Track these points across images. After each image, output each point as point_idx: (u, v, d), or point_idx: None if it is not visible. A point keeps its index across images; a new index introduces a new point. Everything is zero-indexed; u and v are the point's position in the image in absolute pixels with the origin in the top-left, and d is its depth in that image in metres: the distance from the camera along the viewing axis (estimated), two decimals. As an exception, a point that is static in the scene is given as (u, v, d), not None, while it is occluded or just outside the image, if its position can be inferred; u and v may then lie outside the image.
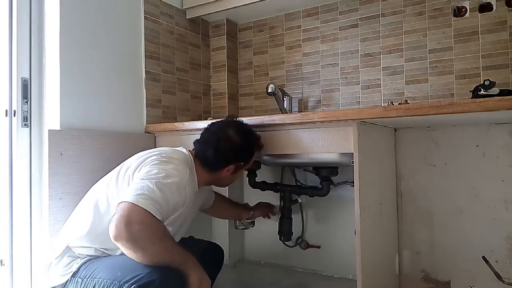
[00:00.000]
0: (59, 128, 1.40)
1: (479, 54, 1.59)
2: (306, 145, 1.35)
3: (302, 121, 1.33)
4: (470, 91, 1.42)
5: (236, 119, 1.40)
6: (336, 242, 1.82)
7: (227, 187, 1.87)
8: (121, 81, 1.66)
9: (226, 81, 2.12)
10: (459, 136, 1.54)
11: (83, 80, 1.49)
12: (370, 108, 1.33)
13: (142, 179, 1.08)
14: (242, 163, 1.33)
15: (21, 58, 1.40)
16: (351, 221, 1.30)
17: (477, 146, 1.51)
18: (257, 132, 1.38)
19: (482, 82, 1.36)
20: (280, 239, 1.82)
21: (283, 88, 1.96)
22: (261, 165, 1.75)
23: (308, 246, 1.87)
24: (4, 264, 1.36)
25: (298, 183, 1.84)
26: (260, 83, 2.12)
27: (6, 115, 1.37)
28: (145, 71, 1.77)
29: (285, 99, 1.92)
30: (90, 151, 1.46)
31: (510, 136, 1.45)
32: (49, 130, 1.35)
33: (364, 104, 1.82)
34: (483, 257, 1.46)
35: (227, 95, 2.12)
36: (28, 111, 1.41)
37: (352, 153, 1.24)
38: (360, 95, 1.84)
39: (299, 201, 1.84)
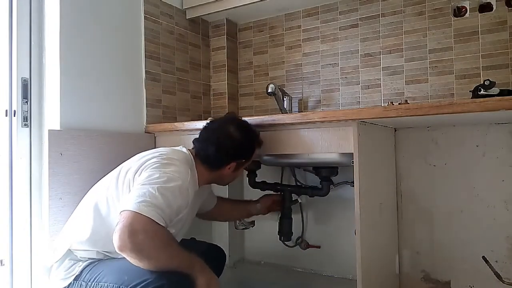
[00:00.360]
0: (59, 128, 1.40)
1: (479, 54, 1.59)
2: (306, 145, 1.35)
3: (302, 121, 1.33)
4: (470, 91, 1.43)
5: (234, 115, 1.39)
6: (336, 242, 1.82)
7: (227, 187, 1.87)
8: (121, 81, 1.66)
9: (226, 81, 2.12)
10: (459, 136, 1.54)
11: (83, 80, 1.49)
12: (370, 108, 1.34)
13: (143, 184, 1.07)
14: (243, 160, 1.33)
15: (21, 58, 1.40)
16: (351, 221, 1.30)
17: (477, 146, 1.51)
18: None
19: (482, 82, 1.36)
20: (280, 239, 1.81)
21: (283, 88, 1.96)
22: (261, 165, 1.75)
23: (308, 246, 1.87)
24: (4, 264, 1.36)
25: (298, 183, 1.84)
26: (260, 83, 2.12)
27: (6, 115, 1.37)
28: (145, 71, 1.77)
29: (285, 99, 1.92)
30: (90, 151, 1.46)
31: (510, 136, 1.45)
32: (49, 130, 1.35)
33: (364, 104, 1.82)
34: (483, 257, 1.45)
35: (227, 95, 2.12)
36: (28, 111, 1.41)
37: (352, 153, 1.24)
38: (360, 95, 1.84)
39: (299, 201, 1.84)
